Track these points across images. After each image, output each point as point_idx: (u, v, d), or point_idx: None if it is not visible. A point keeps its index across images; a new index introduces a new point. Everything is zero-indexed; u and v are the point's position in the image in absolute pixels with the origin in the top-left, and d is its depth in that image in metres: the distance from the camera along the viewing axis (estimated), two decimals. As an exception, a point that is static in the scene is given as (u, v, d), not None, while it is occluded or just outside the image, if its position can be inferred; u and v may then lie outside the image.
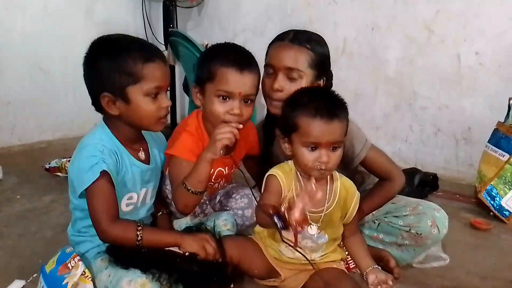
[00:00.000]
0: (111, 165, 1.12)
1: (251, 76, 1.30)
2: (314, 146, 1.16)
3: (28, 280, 1.24)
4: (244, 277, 1.28)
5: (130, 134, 1.22)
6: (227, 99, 1.29)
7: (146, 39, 3.17)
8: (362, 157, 1.38)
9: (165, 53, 2.99)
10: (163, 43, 3.26)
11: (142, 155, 1.25)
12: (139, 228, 1.12)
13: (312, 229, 1.22)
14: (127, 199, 1.23)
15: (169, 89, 1.25)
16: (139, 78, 1.10)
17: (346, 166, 1.38)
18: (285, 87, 1.35)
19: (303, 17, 2.92)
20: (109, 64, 1.11)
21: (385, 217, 1.41)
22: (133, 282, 1.03)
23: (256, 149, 1.55)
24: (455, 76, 2.44)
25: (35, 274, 1.25)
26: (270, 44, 1.43)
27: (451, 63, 2.44)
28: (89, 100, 1.19)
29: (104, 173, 1.09)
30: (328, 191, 1.24)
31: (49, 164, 2.29)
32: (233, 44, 1.40)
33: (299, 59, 1.34)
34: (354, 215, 1.28)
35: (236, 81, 1.27)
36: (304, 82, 1.35)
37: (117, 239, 1.12)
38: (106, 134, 1.18)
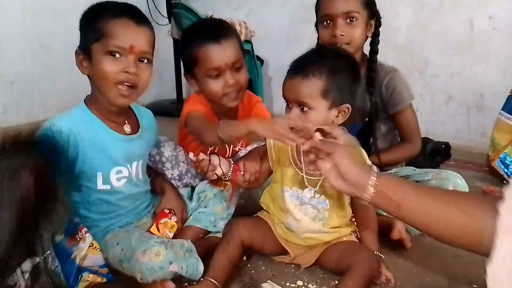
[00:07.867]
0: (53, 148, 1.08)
1: (230, 43, 1.27)
2: (217, 73, 1.23)
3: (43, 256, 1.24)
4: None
5: (110, 106, 1.15)
6: (218, 75, 1.27)
7: (148, 11, 3.14)
8: (400, 109, 1.46)
9: (169, 26, 2.92)
10: (166, 16, 3.18)
11: (128, 128, 1.20)
12: None
13: (307, 193, 1.20)
14: (116, 173, 1.17)
15: (146, 58, 1.10)
16: (102, 35, 1.05)
17: (383, 115, 1.51)
18: (346, 31, 1.38)
19: (310, -16, 2.83)
20: (85, 19, 1.10)
21: None
22: (147, 251, 1.02)
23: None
24: (468, 42, 2.37)
25: (48, 251, 1.25)
26: None
27: (464, 28, 2.36)
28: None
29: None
30: None
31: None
32: (202, 20, 1.41)
33: (353, 1, 1.38)
34: None
35: (218, 54, 1.24)
36: (360, 23, 1.40)
37: None
38: (81, 111, 1.14)
